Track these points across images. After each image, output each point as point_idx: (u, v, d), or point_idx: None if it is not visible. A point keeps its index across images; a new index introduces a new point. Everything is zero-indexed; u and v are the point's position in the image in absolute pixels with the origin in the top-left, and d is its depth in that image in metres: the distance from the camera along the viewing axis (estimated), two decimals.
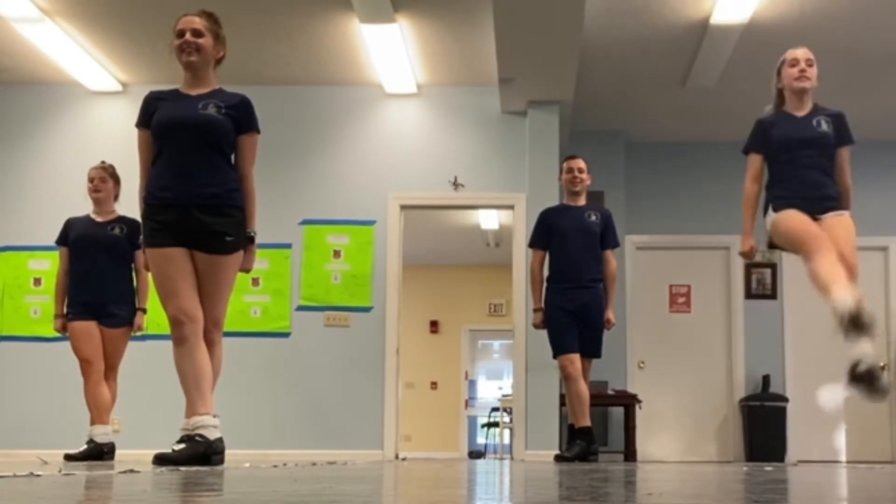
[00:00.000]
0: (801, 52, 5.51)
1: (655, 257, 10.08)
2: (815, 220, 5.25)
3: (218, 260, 4.53)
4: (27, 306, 8.58)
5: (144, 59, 8.29)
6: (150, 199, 4.55)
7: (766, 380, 9.47)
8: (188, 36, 4.57)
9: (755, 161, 5.58)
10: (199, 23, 4.60)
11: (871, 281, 9.87)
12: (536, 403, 8.26)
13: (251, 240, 4.67)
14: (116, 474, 3.23)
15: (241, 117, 4.62)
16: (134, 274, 6.43)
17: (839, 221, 5.29)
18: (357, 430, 8.40)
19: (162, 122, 4.56)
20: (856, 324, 4.67)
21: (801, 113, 5.53)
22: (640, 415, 9.20)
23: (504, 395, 12.93)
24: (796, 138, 5.44)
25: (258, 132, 4.70)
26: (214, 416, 4.47)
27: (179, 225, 4.48)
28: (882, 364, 9.90)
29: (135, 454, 6.60)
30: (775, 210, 5.40)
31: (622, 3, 7.20)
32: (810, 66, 5.50)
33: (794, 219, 5.25)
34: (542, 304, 7.04)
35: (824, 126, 5.47)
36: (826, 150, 5.44)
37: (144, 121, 4.64)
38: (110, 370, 6.34)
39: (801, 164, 5.41)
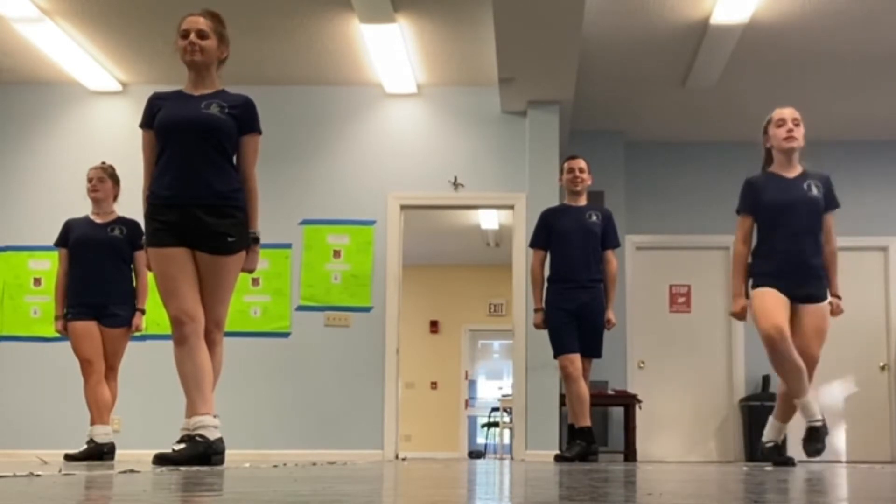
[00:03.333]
0: (788, 112, 5.59)
1: (655, 257, 10.08)
2: (793, 305, 5.46)
3: (219, 260, 4.53)
4: (27, 306, 8.58)
5: (144, 59, 8.30)
6: (153, 198, 4.55)
7: (766, 380, 9.46)
8: (192, 37, 4.57)
9: (745, 223, 5.68)
10: (203, 23, 4.60)
11: (871, 281, 9.88)
12: (536, 403, 8.25)
13: (255, 240, 4.67)
14: (116, 474, 3.23)
15: (244, 118, 4.62)
16: (134, 274, 6.44)
17: (813, 313, 5.49)
18: (357, 430, 8.39)
19: (165, 122, 4.56)
20: (816, 437, 5.57)
21: (790, 174, 5.61)
22: (640, 415, 9.19)
23: (504, 395, 12.94)
24: (787, 202, 5.53)
25: (260, 133, 4.70)
26: (215, 417, 4.47)
27: (182, 225, 4.48)
28: (882, 364, 9.91)
29: (135, 454, 6.61)
30: (756, 286, 5.55)
31: (622, 3, 7.20)
32: (797, 125, 5.57)
33: (766, 304, 5.44)
34: (543, 305, 7.04)
35: (815, 191, 5.57)
36: (816, 216, 5.56)
37: (148, 121, 4.64)
38: (110, 370, 6.35)
39: (791, 232, 5.51)
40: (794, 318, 5.47)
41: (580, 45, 7.43)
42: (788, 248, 5.49)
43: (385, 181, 8.70)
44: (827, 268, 5.58)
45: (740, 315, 5.69)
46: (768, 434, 5.77)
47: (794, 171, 5.61)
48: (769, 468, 5.05)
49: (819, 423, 5.56)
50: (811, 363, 5.48)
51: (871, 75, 8.49)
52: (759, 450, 5.88)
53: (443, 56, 8.20)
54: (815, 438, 5.56)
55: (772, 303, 5.42)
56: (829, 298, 5.57)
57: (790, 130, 5.53)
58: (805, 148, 5.66)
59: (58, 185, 8.60)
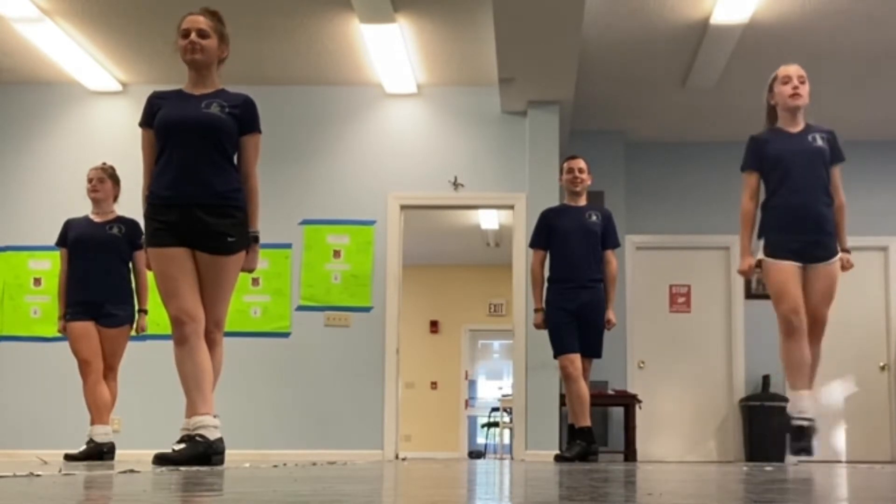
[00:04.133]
0: (794, 70, 5.57)
1: (655, 257, 10.08)
2: (804, 266, 5.43)
3: (219, 260, 4.52)
4: (27, 306, 8.58)
5: (144, 59, 8.29)
6: (153, 198, 4.55)
7: (766, 380, 9.47)
8: (193, 36, 4.56)
9: (751, 179, 5.65)
10: (203, 23, 4.59)
11: (871, 281, 9.88)
12: (536, 403, 8.26)
13: (255, 240, 4.67)
14: (116, 474, 3.23)
15: (245, 118, 4.62)
16: (133, 274, 6.43)
17: (825, 276, 5.46)
18: (357, 430, 8.39)
19: (165, 121, 4.56)
20: (801, 435, 5.41)
21: (794, 129, 5.60)
22: (640, 415, 9.19)
23: (504, 395, 12.94)
24: (792, 153, 5.51)
25: (260, 133, 4.70)
26: (215, 416, 4.47)
27: (182, 225, 4.48)
28: (882, 364, 9.91)
29: (135, 454, 6.61)
30: (769, 251, 5.51)
31: (622, 3, 7.20)
32: (802, 83, 5.56)
33: (782, 282, 5.43)
34: (543, 304, 7.04)
35: (819, 142, 5.56)
36: (822, 165, 5.53)
37: (147, 120, 4.64)
38: (110, 370, 6.34)
39: (799, 183, 5.49)
40: (805, 280, 5.44)
41: (580, 45, 7.42)
42: (797, 199, 5.46)
43: (385, 181, 8.70)
44: (836, 221, 5.55)
45: (747, 273, 5.64)
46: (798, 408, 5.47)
47: (799, 126, 5.60)
48: (769, 468, 5.04)
49: (806, 423, 5.43)
50: (821, 325, 5.44)
51: (872, 75, 8.49)
52: (787, 424, 5.55)
53: (443, 56, 8.20)
54: (800, 437, 5.44)
55: (787, 282, 5.39)
56: (840, 254, 5.53)
57: (796, 87, 5.51)
58: (809, 105, 5.63)
59: (58, 185, 8.60)
